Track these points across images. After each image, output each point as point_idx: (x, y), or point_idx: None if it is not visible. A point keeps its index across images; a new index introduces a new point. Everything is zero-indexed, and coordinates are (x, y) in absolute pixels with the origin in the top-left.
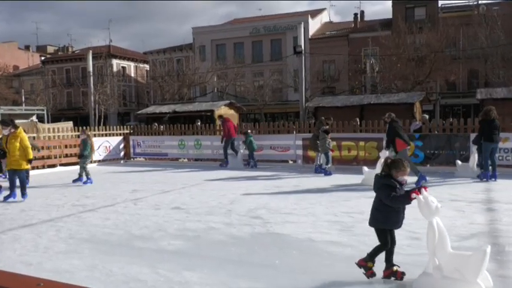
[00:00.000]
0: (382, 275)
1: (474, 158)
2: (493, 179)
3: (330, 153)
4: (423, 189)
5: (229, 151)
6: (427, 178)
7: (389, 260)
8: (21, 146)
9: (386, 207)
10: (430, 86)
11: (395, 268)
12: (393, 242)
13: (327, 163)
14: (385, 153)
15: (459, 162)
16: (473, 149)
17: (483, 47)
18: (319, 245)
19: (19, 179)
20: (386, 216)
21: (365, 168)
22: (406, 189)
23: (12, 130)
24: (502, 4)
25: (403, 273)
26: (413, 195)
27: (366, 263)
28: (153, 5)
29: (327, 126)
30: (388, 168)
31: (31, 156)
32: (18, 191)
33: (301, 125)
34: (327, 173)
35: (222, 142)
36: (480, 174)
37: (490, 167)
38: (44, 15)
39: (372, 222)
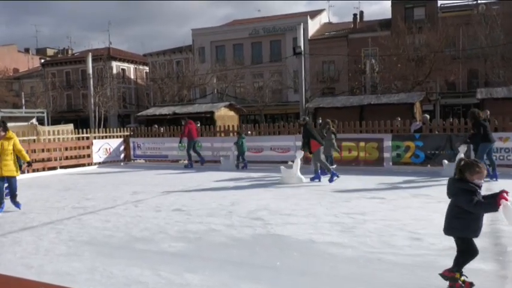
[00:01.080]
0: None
1: (460, 156)
2: (494, 179)
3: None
4: (505, 193)
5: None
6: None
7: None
8: (15, 149)
9: (467, 214)
10: (430, 86)
11: (463, 278)
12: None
13: (331, 164)
14: (300, 154)
15: (446, 161)
16: (460, 148)
17: (483, 47)
18: (320, 246)
19: (10, 188)
20: (467, 224)
21: (282, 167)
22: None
23: (3, 133)
24: (502, 3)
25: (471, 284)
26: (502, 201)
27: (454, 274)
28: (151, 7)
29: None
30: (461, 172)
31: (29, 159)
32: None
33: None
34: (335, 174)
35: (180, 143)
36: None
37: (490, 167)
38: (43, 18)
39: (449, 231)
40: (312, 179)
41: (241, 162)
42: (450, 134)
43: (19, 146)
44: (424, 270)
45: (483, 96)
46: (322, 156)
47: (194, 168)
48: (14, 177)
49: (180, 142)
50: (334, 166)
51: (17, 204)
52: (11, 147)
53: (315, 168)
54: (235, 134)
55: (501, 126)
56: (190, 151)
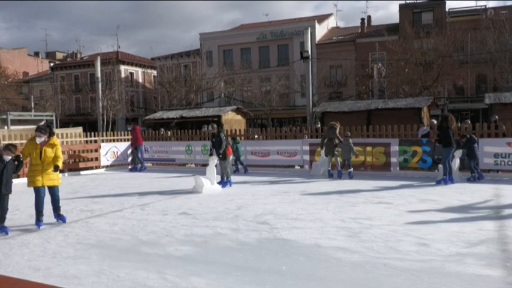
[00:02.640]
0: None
1: (456, 162)
2: (451, 182)
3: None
4: None
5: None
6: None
7: None
8: (54, 155)
9: None
10: (437, 90)
11: None
12: None
13: (349, 167)
14: (214, 160)
15: (440, 166)
16: (455, 153)
17: (491, 52)
18: (326, 251)
19: (53, 199)
20: None
21: (198, 177)
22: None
23: (47, 139)
24: (510, 8)
25: None
26: None
27: None
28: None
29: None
30: None
31: (61, 163)
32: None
33: (308, 130)
34: (350, 175)
35: (132, 147)
36: (470, 177)
37: (444, 172)
38: (53, 22)
39: None
40: (221, 184)
41: (242, 167)
42: (458, 139)
43: (59, 153)
44: (430, 276)
45: (491, 101)
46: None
47: (200, 171)
48: (57, 187)
49: (131, 146)
50: (351, 170)
51: (61, 218)
52: (53, 155)
53: (222, 174)
54: (241, 137)
55: (510, 132)
56: (139, 155)
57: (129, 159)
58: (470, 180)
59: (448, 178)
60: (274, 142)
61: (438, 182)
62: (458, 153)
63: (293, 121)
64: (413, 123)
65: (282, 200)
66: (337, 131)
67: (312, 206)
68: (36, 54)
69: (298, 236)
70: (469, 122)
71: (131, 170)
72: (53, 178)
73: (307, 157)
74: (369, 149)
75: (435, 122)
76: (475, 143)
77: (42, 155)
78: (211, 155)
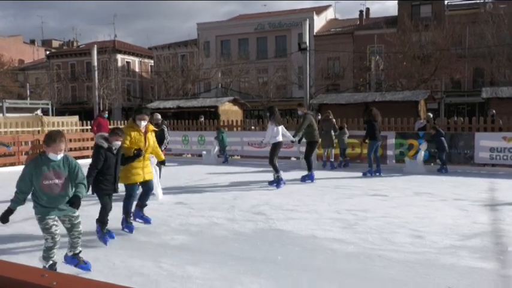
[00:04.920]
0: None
1: (421, 154)
2: (378, 174)
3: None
4: None
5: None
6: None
7: None
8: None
9: None
10: (435, 84)
11: None
12: None
13: (345, 157)
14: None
15: (407, 159)
16: (421, 146)
17: (489, 46)
18: (321, 242)
19: (146, 194)
20: None
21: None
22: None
23: (148, 123)
24: (509, 2)
25: None
26: None
27: None
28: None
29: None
30: None
31: (163, 157)
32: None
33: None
34: (347, 164)
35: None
36: (375, 170)
37: (374, 164)
38: (49, 11)
39: None
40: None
41: (223, 156)
42: (454, 132)
43: (154, 141)
44: (424, 267)
45: (488, 96)
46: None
47: (196, 161)
48: (152, 180)
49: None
50: (348, 158)
51: (145, 219)
52: (154, 144)
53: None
54: (238, 128)
55: (506, 126)
56: None
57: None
58: (442, 171)
59: (372, 170)
60: None
61: (364, 174)
62: (424, 146)
63: (290, 113)
64: (410, 117)
65: (278, 191)
66: (333, 121)
67: (307, 197)
68: (32, 42)
69: (294, 226)
70: (431, 115)
71: None
72: (151, 170)
73: (303, 149)
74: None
75: (431, 115)
76: (442, 136)
77: (146, 143)
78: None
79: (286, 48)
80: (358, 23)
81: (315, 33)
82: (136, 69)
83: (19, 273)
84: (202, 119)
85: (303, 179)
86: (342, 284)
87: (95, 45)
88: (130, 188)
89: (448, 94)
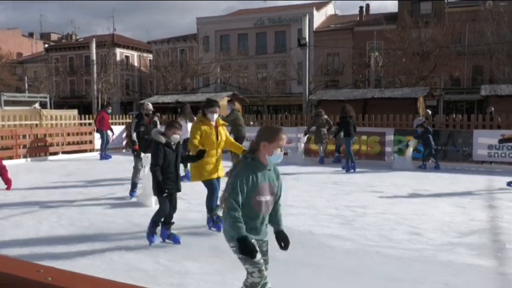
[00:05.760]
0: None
1: (410, 150)
2: (352, 170)
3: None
4: None
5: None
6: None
7: None
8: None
9: None
10: (434, 81)
11: None
12: None
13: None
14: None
15: (396, 155)
16: (409, 142)
17: (489, 43)
18: (319, 238)
19: (214, 194)
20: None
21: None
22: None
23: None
24: (509, 0)
25: None
26: None
27: None
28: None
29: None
30: None
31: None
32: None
33: (303, 117)
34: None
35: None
36: (347, 165)
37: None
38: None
39: None
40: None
41: None
42: (453, 129)
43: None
44: (421, 264)
45: (487, 93)
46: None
47: None
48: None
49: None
50: (342, 155)
51: (217, 226)
52: (226, 138)
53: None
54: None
55: (504, 124)
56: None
57: (124, 142)
58: (421, 167)
59: (350, 165)
60: None
61: (346, 169)
62: (412, 143)
63: (289, 108)
64: (408, 113)
65: None
66: (325, 118)
67: (306, 193)
68: (31, 35)
69: (292, 222)
70: (430, 112)
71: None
72: (223, 167)
73: (302, 145)
74: (363, 137)
75: (429, 112)
76: (430, 134)
77: (219, 137)
78: (139, 152)
79: (286, 44)
80: (358, 19)
81: (314, 29)
82: (135, 64)
83: (14, 268)
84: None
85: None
86: (340, 280)
87: (94, 39)
88: (208, 184)
89: (447, 91)
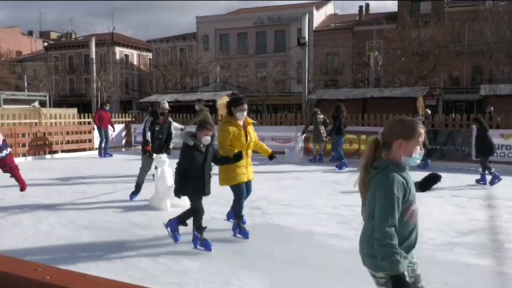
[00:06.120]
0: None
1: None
2: (344, 167)
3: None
4: None
5: None
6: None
7: None
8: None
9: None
10: (433, 81)
11: None
12: None
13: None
14: (163, 162)
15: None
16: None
17: (488, 43)
18: (318, 237)
19: (245, 197)
20: None
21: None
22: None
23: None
24: (509, 0)
25: None
26: None
27: None
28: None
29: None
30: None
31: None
32: None
33: (303, 117)
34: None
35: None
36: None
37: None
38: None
39: None
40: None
41: None
42: (452, 129)
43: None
44: (421, 264)
45: (486, 93)
46: None
47: None
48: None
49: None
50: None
51: (244, 232)
52: (255, 138)
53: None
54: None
55: (503, 124)
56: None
57: (123, 141)
58: (420, 166)
59: (345, 162)
60: (269, 128)
61: (338, 168)
62: None
63: (288, 108)
64: (408, 113)
65: (275, 186)
66: (321, 116)
67: (305, 192)
68: (30, 33)
69: (291, 222)
70: (429, 111)
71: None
72: (252, 170)
73: (300, 144)
74: (363, 137)
75: (429, 111)
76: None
77: (248, 138)
78: (151, 153)
79: (286, 43)
80: (357, 18)
81: (314, 28)
82: (135, 62)
83: (12, 267)
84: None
85: None
86: (338, 280)
87: (93, 38)
88: (237, 189)
89: (447, 91)
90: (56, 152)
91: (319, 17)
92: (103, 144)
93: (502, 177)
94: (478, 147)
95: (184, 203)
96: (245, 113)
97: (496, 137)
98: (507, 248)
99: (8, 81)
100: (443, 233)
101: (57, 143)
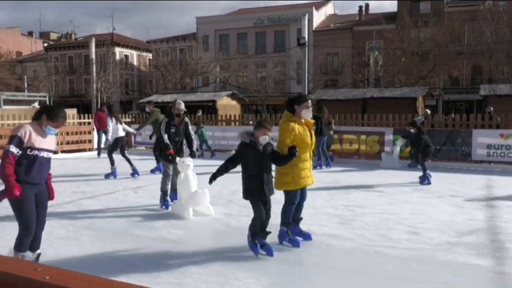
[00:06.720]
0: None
1: (397, 149)
2: (326, 167)
3: None
4: None
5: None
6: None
7: None
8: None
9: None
10: (433, 81)
11: None
12: None
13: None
14: (187, 165)
15: (384, 154)
16: (397, 142)
17: (488, 43)
18: (318, 237)
19: (302, 199)
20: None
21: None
22: None
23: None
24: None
25: None
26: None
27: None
28: None
29: None
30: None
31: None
32: None
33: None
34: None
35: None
36: (320, 163)
37: (323, 158)
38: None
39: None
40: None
41: (210, 152)
42: (452, 129)
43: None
44: (420, 264)
45: (486, 93)
46: None
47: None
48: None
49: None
50: (331, 153)
51: (305, 235)
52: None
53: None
54: (236, 123)
55: (503, 123)
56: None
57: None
58: (411, 165)
59: (322, 163)
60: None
61: (314, 167)
62: (399, 142)
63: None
64: (408, 113)
65: None
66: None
67: None
68: (30, 34)
69: None
70: (429, 112)
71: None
72: (312, 173)
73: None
74: (363, 137)
75: (429, 111)
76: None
77: (312, 138)
78: (174, 157)
79: (285, 43)
80: (357, 18)
81: (314, 29)
82: (135, 63)
83: (12, 267)
84: (200, 113)
85: (152, 171)
86: (338, 280)
87: (93, 38)
88: (293, 194)
89: (446, 91)
90: (56, 152)
91: (319, 17)
92: (102, 145)
93: (499, 177)
94: (416, 148)
95: (209, 211)
96: (310, 112)
97: (496, 137)
98: (506, 248)
99: (8, 81)
100: (443, 233)
101: (57, 144)
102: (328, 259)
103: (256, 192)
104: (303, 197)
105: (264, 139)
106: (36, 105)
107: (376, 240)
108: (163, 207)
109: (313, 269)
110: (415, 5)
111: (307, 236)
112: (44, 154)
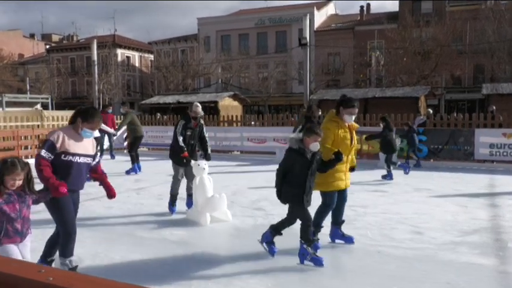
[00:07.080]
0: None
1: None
2: None
3: None
4: None
5: None
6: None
7: None
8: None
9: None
10: (435, 80)
11: None
12: None
13: None
14: (202, 168)
15: (381, 154)
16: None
17: (490, 42)
18: (320, 237)
19: (342, 207)
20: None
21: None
22: None
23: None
24: None
25: None
26: None
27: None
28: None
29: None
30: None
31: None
32: None
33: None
34: None
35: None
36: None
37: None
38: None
39: None
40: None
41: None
42: (454, 128)
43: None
44: (423, 264)
45: (488, 92)
46: None
47: None
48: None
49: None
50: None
51: (347, 238)
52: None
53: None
54: (237, 124)
55: (506, 122)
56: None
57: (125, 143)
58: (403, 165)
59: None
60: (271, 129)
61: None
62: (397, 142)
63: (290, 108)
64: (410, 113)
65: None
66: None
67: None
68: (32, 36)
69: None
70: (431, 111)
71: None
72: (350, 176)
73: None
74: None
75: (431, 111)
76: (414, 133)
77: (352, 141)
78: (189, 160)
79: (287, 44)
80: (358, 18)
81: (315, 29)
82: (136, 64)
83: (16, 269)
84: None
85: (127, 172)
86: (341, 280)
87: (95, 40)
88: (329, 196)
89: (449, 90)
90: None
91: (320, 17)
92: (105, 147)
93: (502, 176)
94: (382, 145)
95: (227, 217)
96: (353, 117)
97: (499, 136)
98: (510, 247)
99: (10, 83)
100: (446, 232)
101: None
102: (330, 259)
103: (295, 200)
104: (341, 201)
105: (315, 146)
106: (39, 107)
107: (379, 240)
108: (170, 212)
109: (316, 269)
110: (416, 5)
111: (349, 240)
112: (80, 159)
